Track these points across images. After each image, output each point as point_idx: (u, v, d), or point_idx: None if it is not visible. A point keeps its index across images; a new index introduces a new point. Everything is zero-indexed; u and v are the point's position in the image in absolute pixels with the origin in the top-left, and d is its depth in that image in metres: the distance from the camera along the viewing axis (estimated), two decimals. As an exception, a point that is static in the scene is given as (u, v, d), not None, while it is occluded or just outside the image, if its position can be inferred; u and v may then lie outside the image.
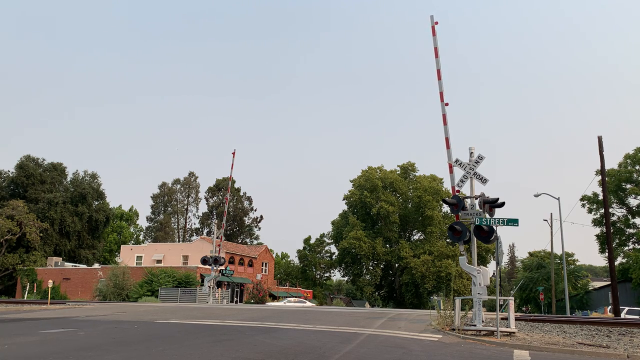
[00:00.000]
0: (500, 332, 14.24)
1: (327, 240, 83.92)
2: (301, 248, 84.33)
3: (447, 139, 17.64)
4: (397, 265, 73.83)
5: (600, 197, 51.80)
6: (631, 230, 55.21)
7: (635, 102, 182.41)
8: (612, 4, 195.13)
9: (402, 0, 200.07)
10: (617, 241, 54.83)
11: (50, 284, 35.26)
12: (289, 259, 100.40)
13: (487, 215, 15.89)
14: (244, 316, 21.14)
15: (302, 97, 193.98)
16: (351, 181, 76.73)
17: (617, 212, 56.36)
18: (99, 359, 9.44)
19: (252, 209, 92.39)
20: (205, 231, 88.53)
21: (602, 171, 30.89)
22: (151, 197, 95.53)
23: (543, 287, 55.70)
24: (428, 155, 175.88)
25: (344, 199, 76.76)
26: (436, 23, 18.75)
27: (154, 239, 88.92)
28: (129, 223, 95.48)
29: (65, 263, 62.46)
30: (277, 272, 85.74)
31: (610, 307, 38.74)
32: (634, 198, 54.79)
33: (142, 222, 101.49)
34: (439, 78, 18.18)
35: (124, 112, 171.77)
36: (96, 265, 61.93)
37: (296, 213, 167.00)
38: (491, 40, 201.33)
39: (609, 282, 36.71)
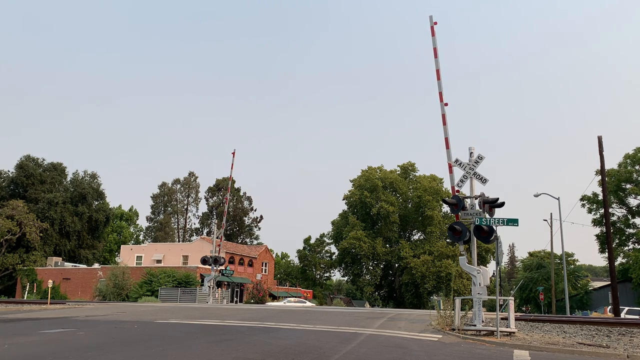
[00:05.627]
0: (500, 332, 14.24)
1: (327, 240, 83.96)
2: (301, 248, 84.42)
3: (446, 139, 17.64)
4: (397, 265, 73.83)
5: (600, 197, 51.78)
6: (631, 230, 55.16)
7: (635, 102, 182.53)
8: (611, 4, 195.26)
9: (401, 0, 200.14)
10: (617, 241, 54.80)
11: (50, 284, 35.24)
12: (289, 259, 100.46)
13: (487, 215, 15.89)
14: (244, 316, 21.13)
15: (302, 97, 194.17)
16: (351, 181, 76.83)
17: (617, 212, 56.33)
18: (99, 359, 9.44)
19: (252, 209, 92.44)
20: (205, 231, 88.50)
21: (602, 171, 30.89)
22: (151, 197, 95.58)
23: (543, 287, 55.65)
24: (428, 155, 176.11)
25: (344, 199, 76.85)
26: (435, 23, 18.74)
27: (154, 239, 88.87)
28: (129, 223, 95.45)
29: (65, 263, 62.44)
30: (277, 272, 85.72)
31: (610, 307, 38.75)
32: (634, 198, 54.76)
33: (142, 222, 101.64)
34: (438, 78, 18.18)
35: (124, 112, 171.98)
36: (96, 265, 61.92)
37: (296, 213, 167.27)
38: (490, 40, 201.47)
39: (609, 282, 36.70)
